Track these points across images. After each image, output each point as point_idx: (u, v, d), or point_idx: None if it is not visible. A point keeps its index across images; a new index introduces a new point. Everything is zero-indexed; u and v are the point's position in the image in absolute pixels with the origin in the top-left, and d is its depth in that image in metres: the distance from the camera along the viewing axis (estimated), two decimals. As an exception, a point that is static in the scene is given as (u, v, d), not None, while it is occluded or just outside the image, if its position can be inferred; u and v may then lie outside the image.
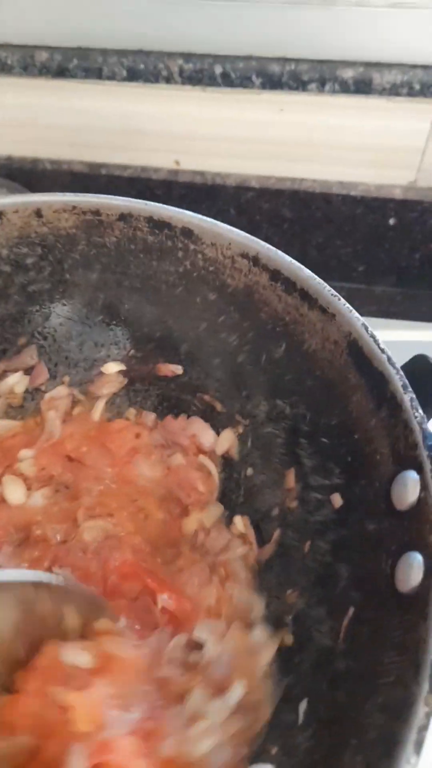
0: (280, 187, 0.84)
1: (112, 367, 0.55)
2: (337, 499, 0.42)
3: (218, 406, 0.51)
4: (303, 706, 0.35)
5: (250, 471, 0.51)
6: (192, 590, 0.41)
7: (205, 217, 0.49)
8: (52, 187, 0.87)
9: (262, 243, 0.47)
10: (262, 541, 0.47)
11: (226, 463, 0.52)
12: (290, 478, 0.46)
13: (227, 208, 0.86)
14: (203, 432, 0.51)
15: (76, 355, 0.56)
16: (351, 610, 0.36)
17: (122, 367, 0.55)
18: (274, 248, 0.46)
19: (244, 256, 0.48)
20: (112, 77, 0.77)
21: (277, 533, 0.46)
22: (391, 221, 0.85)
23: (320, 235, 0.88)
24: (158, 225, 0.50)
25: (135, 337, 0.55)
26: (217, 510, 0.50)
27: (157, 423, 0.54)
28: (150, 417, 0.54)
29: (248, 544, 0.46)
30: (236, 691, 0.34)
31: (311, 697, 0.35)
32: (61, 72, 0.77)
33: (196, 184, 0.85)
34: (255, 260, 0.47)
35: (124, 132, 0.83)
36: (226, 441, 0.50)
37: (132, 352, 0.55)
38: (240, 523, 0.48)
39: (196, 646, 0.36)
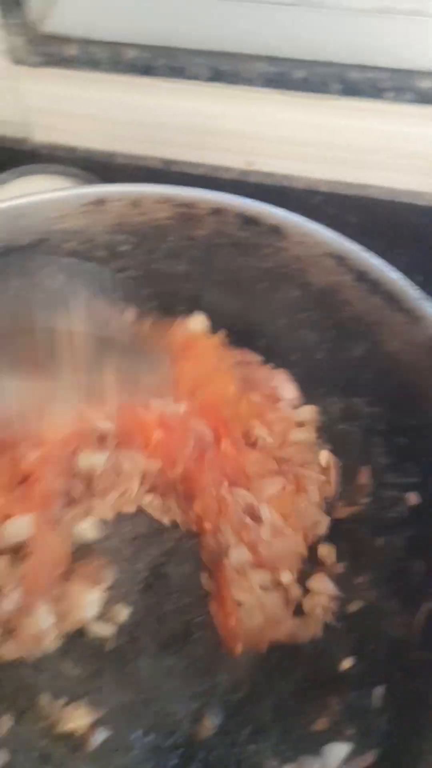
0: (348, 192, 0.84)
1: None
2: (413, 498, 0.42)
3: (297, 394, 0.52)
4: (379, 691, 0.36)
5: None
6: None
7: (294, 215, 0.49)
8: (126, 181, 0.88)
9: (350, 243, 0.47)
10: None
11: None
12: (363, 475, 0.47)
13: (294, 211, 0.86)
14: (285, 386, 0.51)
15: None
16: (427, 606, 0.36)
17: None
18: (361, 248, 0.46)
19: (331, 255, 0.48)
20: (195, 77, 0.77)
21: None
22: (455, 233, 0.84)
23: (382, 242, 0.87)
24: (248, 221, 0.51)
25: (214, 329, 0.55)
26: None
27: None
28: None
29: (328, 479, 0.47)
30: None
31: (388, 683, 0.35)
32: (147, 70, 0.79)
33: (265, 186, 0.85)
34: (341, 260, 0.48)
35: (200, 131, 0.83)
36: (308, 413, 0.51)
37: (211, 343, 0.56)
38: (325, 457, 0.48)
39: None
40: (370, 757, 0.33)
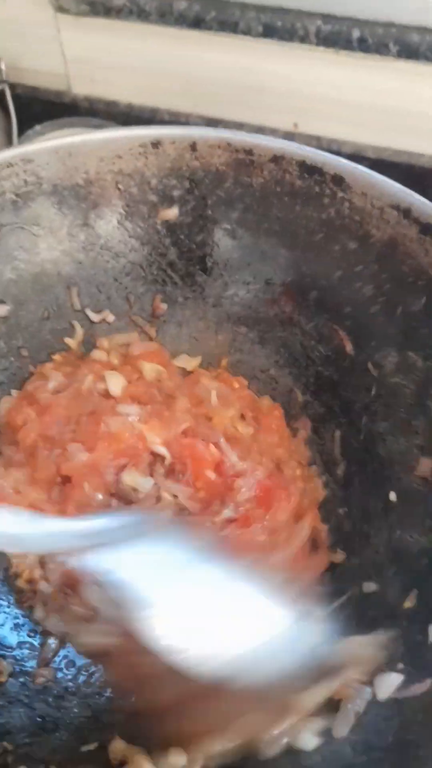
0: (396, 159, 0.85)
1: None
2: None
3: (348, 348, 0.53)
4: (433, 628, 0.37)
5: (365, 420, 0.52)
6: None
7: (359, 166, 0.50)
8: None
9: (417, 195, 0.48)
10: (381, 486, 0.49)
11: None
12: (417, 428, 0.48)
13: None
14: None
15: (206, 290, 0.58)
16: None
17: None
18: (429, 202, 0.48)
19: (395, 207, 0.49)
20: (247, 32, 0.78)
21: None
22: None
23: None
24: (309, 170, 0.52)
25: (265, 280, 0.57)
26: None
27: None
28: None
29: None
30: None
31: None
32: (197, 23, 0.79)
33: (310, 149, 0.86)
34: (406, 212, 0.48)
35: (248, 88, 0.84)
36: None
37: (262, 294, 0.57)
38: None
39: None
40: (426, 684, 0.35)
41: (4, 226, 0.52)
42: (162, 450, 0.49)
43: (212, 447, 0.50)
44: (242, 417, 0.55)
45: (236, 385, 0.57)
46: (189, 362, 0.59)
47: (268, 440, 0.54)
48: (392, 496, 0.47)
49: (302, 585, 0.42)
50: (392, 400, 0.50)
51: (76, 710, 0.42)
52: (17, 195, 0.51)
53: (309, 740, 0.34)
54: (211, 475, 0.49)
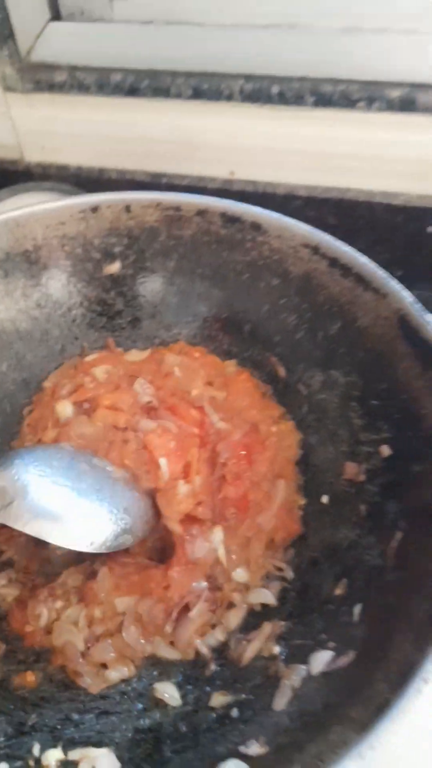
0: (326, 196, 0.94)
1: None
2: (385, 450, 0.50)
3: (281, 372, 0.60)
4: (357, 609, 0.43)
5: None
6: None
7: (272, 212, 0.58)
8: (117, 194, 0.97)
9: (323, 234, 0.56)
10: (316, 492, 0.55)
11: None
12: (342, 437, 0.55)
13: (277, 215, 0.95)
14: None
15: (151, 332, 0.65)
16: (399, 535, 0.44)
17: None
18: (333, 238, 0.55)
19: (307, 245, 0.57)
20: (178, 96, 0.87)
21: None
22: (430, 229, 0.93)
23: (362, 241, 0.96)
24: (231, 219, 0.60)
25: (203, 318, 0.64)
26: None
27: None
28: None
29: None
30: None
31: (365, 602, 0.43)
32: (133, 91, 0.89)
33: (248, 193, 0.95)
34: (316, 249, 0.56)
35: (185, 145, 0.93)
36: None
37: (201, 331, 0.64)
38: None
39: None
40: (349, 656, 0.41)
41: (-37, 292, 0.59)
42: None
43: (193, 410, 0.57)
44: (210, 384, 0.61)
45: (197, 354, 0.63)
46: (140, 354, 0.65)
47: (240, 403, 0.60)
48: (324, 499, 0.54)
49: (278, 545, 0.53)
50: (321, 415, 0.57)
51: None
52: (-27, 264, 0.59)
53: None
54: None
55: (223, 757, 0.37)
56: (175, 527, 0.54)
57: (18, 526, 0.45)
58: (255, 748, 0.38)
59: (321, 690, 0.40)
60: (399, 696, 0.33)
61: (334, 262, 0.55)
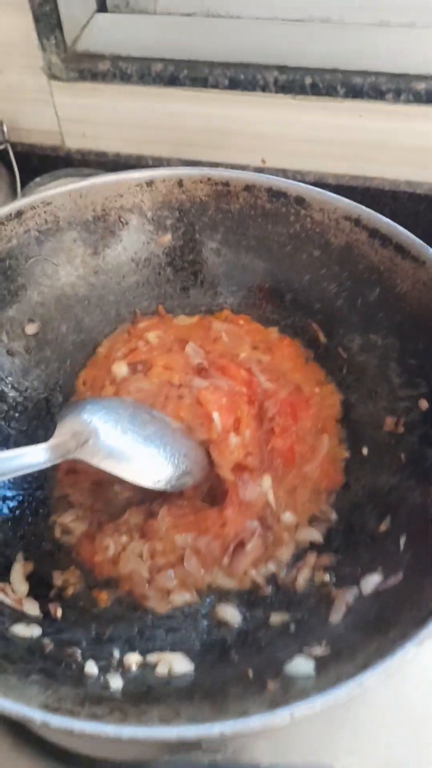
0: (353, 184, 0.98)
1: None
2: (423, 404, 0.55)
3: (321, 337, 0.65)
4: (403, 539, 0.48)
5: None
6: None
7: (314, 187, 0.63)
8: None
9: (363, 207, 0.61)
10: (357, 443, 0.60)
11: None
12: (381, 394, 0.59)
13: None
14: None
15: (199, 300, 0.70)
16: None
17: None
18: (373, 211, 0.60)
19: (348, 218, 0.61)
20: (215, 86, 0.92)
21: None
22: (451, 217, 0.98)
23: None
24: (276, 194, 0.64)
25: (248, 288, 0.69)
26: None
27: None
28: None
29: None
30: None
31: (409, 532, 0.48)
32: (172, 81, 0.93)
33: (279, 180, 0.99)
34: (357, 221, 0.61)
35: (220, 133, 0.98)
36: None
37: (245, 300, 0.69)
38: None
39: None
40: (398, 576, 0.45)
41: (30, 258, 0.63)
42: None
43: (242, 370, 0.62)
44: (255, 348, 0.66)
45: (241, 322, 0.68)
46: (187, 320, 0.70)
47: (284, 366, 0.65)
48: (365, 450, 0.58)
49: (322, 492, 0.57)
50: (360, 375, 0.62)
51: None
52: (39, 232, 0.63)
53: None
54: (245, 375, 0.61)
55: (288, 659, 0.41)
56: (228, 475, 0.58)
57: (94, 462, 0.50)
58: (318, 650, 0.42)
59: (374, 605, 0.44)
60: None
61: (375, 232, 0.60)
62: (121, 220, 0.67)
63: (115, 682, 0.42)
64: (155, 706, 0.38)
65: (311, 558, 0.53)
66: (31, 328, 0.65)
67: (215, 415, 0.60)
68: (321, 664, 0.40)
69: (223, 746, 0.50)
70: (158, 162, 1.02)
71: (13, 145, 1.03)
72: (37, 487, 0.59)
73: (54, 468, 0.59)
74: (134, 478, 0.52)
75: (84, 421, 0.52)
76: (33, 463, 0.49)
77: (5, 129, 1.01)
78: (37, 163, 1.06)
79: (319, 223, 0.63)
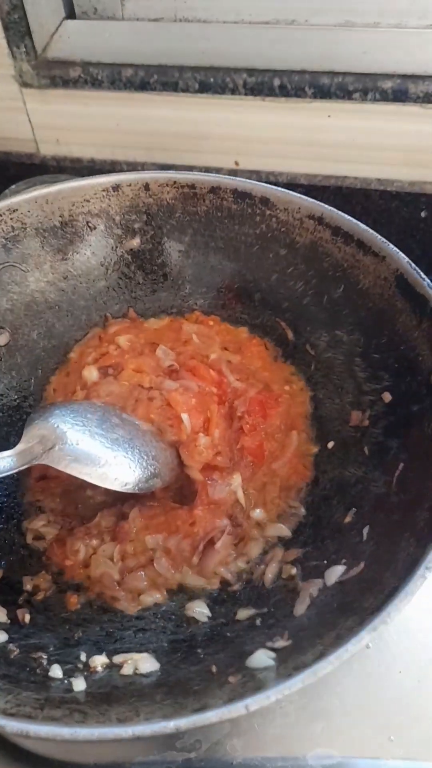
0: (326, 183, 0.99)
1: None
2: (387, 396, 0.55)
3: (290, 335, 0.65)
4: (366, 530, 0.48)
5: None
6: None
7: (278, 188, 0.63)
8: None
9: (326, 206, 0.61)
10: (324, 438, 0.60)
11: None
12: (348, 389, 0.60)
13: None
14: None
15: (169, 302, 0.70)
16: (401, 466, 0.49)
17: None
18: (335, 209, 0.60)
19: (311, 217, 0.62)
20: (186, 90, 0.93)
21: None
22: (423, 214, 0.98)
23: (360, 226, 1.02)
24: (241, 195, 0.65)
25: (217, 289, 0.69)
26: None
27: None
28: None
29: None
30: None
31: (372, 523, 0.48)
32: (143, 86, 0.94)
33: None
34: (320, 220, 0.62)
35: (193, 137, 0.98)
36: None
37: (215, 300, 0.69)
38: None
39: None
40: (360, 566, 0.46)
41: (-2, 266, 0.64)
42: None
43: (212, 371, 0.63)
44: (225, 348, 0.67)
45: (211, 323, 0.69)
46: (158, 322, 0.71)
47: (254, 365, 0.66)
48: (332, 444, 0.59)
49: (291, 488, 0.58)
50: (328, 371, 0.62)
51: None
52: (6, 239, 0.64)
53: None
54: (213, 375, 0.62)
55: (252, 653, 0.42)
56: (197, 475, 0.59)
57: (61, 467, 0.50)
58: (280, 642, 0.42)
59: (336, 595, 0.45)
60: (406, 582, 0.38)
61: (337, 230, 0.60)
62: (89, 225, 0.67)
63: (79, 685, 0.42)
64: (116, 706, 0.38)
65: (279, 553, 0.53)
66: (0, 337, 0.65)
67: (185, 417, 0.60)
68: (282, 656, 0.40)
69: (197, 744, 0.50)
70: (132, 167, 1.02)
71: (-11, 154, 1.04)
72: (8, 494, 0.59)
73: (26, 474, 0.59)
74: (102, 482, 0.52)
75: (51, 425, 0.52)
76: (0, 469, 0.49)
77: (-21, 138, 1.01)
78: (13, 170, 1.06)
79: (284, 222, 0.64)
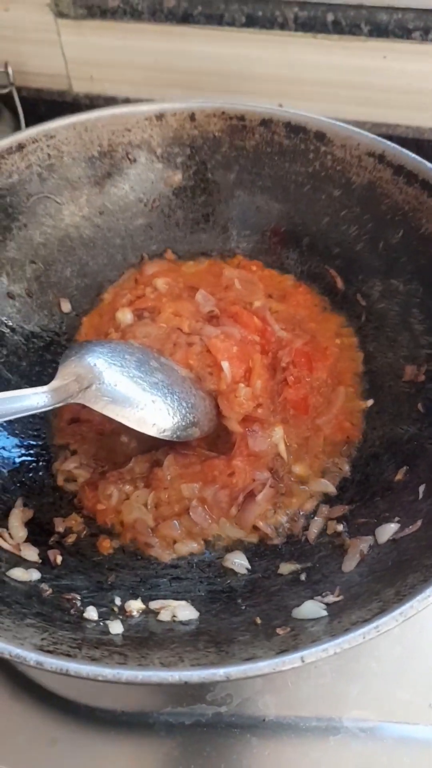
0: (376, 131, 0.93)
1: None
2: (447, 348, 0.52)
3: (339, 284, 0.62)
4: (422, 488, 0.46)
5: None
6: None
7: (337, 122, 0.59)
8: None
9: (388, 142, 0.57)
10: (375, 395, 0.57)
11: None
12: (402, 342, 0.56)
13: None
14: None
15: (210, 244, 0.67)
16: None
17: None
18: (399, 146, 0.56)
19: (371, 154, 0.58)
20: (231, 23, 0.87)
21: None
22: None
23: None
24: (295, 129, 0.61)
25: (262, 232, 0.66)
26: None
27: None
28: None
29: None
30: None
31: (428, 482, 0.46)
32: (185, 18, 0.89)
33: (296, 128, 0.95)
34: (381, 158, 0.58)
35: (235, 75, 0.94)
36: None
37: (259, 245, 0.66)
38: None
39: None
40: (417, 525, 0.43)
41: (32, 196, 0.61)
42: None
43: (256, 318, 0.60)
44: (270, 296, 0.64)
45: (254, 268, 0.66)
46: (197, 266, 0.68)
47: (300, 315, 0.63)
48: (383, 400, 0.56)
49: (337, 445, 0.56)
50: (380, 323, 0.59)
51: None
52: (42, 167, 0.60)
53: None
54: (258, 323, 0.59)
55: (299, 605, 0.40)
56: (235, 427, 0.56)
57: (97, 408, 0.48)
58: (330, 598, 0.40)
59: (390, 553, 0.43)
60: None
61: (400, 169, 0.57)
62: (129, 156, 0.64)
63: (116, 628, 0.40)
64: (157, 650, 0.36)
65: (324, 509, 0.51)
66: (32, 270, 0.62)
67: (225, 365, 0.57)
68: (334, 610, 0.38)
69: (228, 699, 0.49)
70: (170, 107, 0.98)
71: (19, 90, 0.99)
72: (36, 435, 0.57)
73: (56, 415, 0.57)
74: (139, 426, 0.50)
75: (88, 364, 0.50)
76: (33, 406, 0.47)
77: (10, 72, 0.97)
78: (44, 109, 1.02)
79: (340, 160, 0.60)
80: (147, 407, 0.51)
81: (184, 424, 0.53)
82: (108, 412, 0.49)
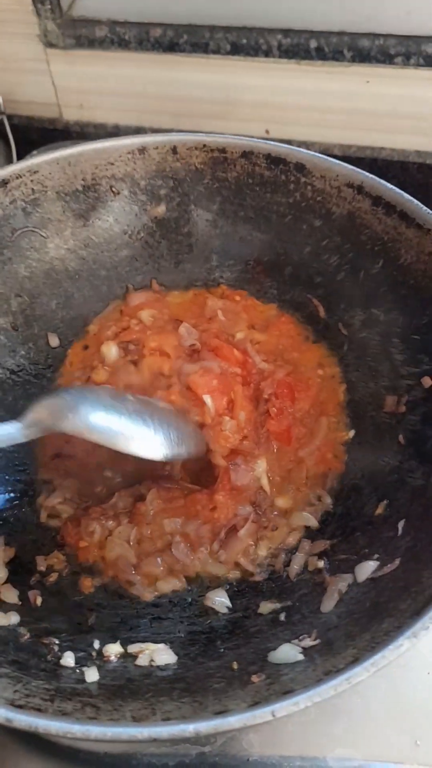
0: (361, 155, 0.94)
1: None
2: (427, 381, 0.51)
3: (321, 313, 0.61)
4: (401, 524, 0.45)
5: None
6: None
7: (316, 153, 0.59)
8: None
9: (367, 173, 0.57)
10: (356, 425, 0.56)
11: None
12: (383, 372, 0.56)
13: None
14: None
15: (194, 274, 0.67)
16: (440, 456, 0.46)
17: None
18: (376, 177, 0.56)
19: (350, 185, 0.58)
20: (217, 51, 0.88)
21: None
22: (463, 189, 0.93)
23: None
24: (275, 161, 0.60)
25: (245, 261, 0.65)
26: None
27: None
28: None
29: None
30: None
31: (408, 517, 0.45)
32: (172, 47, 0.89)
33: (283, 152, 0.95)
34: (359, 189, 0.57)
35: (222, 102, 0.94)
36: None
37: (242, 274, 0.65)
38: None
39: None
40: (395, 563, 0.42)
41: (16, 231, 0.60)
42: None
43: (236, 351, 0.59)
44: (252, 327, 0.63)
45: (238, 298, 0.66)
46: (181, 296, 0.67)
47: (282, 345, 0.62)
48: (364, 431, 0.55)
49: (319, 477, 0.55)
50: (361, 352, 0.58)
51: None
52: (26, 202, 0.60)
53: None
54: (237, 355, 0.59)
55: (276, 648, 0.39)
56: (220, 461, 0.55)
57: (77, 432, 0.47)
58: (307, 641, 0.39)
59: (368, 593, 0.42)
60: (450, 584, 0.34)
61: (378, 200, 0.56)
62: (113, 189, 0.64)
63: (92, 675, 0.39)
64: (131, 701, 0.35)
65: (305, 544, 0.50)
66: (17, 304, 0.62)
67: (207, 399, 0.57)
68: (310, 655, 0.37)
69: (212, 738, 0.48)
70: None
71: (10, 118, 1.00)
72: (21, 470, 0.57)
73: (40, 451, 0.57)
74: (124, 446, 0.48)
75: (62, 398, 0.49)
76: (5, 437, 0.46)
77: (1, 100, 0.98)
78: (35, 136, 1.02)
79: (320, 191, 0.60)
80: (131, 428, 0.50)
81: (168, 443, 0.51)
82: (89, 436, 0.48)
